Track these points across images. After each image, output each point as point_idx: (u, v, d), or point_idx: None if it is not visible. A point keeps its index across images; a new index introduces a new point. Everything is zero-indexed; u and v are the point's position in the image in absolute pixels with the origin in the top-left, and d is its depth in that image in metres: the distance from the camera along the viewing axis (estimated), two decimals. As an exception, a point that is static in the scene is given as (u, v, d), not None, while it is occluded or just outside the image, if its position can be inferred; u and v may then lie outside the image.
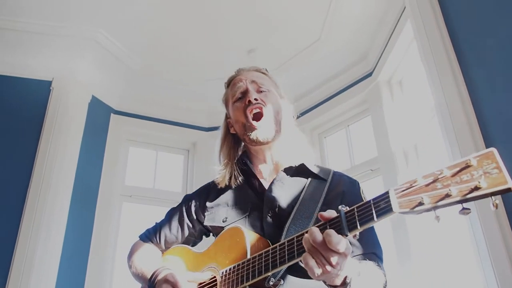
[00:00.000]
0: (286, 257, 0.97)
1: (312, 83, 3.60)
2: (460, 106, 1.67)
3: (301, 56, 3.39)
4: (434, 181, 0.75)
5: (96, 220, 3.14)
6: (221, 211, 1.35)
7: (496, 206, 0.69)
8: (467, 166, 0.72)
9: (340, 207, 0.89)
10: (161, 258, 1.44)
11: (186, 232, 1.45)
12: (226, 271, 1.15)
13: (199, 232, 1.46)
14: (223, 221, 1.32)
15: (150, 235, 1.48)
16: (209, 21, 3.03)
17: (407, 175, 2.74)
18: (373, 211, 0.82)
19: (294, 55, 3.39)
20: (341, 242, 0.84)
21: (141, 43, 3.20)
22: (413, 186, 0.77)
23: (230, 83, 1.51)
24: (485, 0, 1.61)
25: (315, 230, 0.88)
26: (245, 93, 1.39)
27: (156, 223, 1.53)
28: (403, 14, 2.63)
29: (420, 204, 0.75)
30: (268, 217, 1.25)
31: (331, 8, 2.96)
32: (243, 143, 1.46)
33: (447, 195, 0.72)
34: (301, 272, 1.08)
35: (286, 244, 0.99)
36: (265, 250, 1.05)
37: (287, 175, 1.35)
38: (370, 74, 3.23)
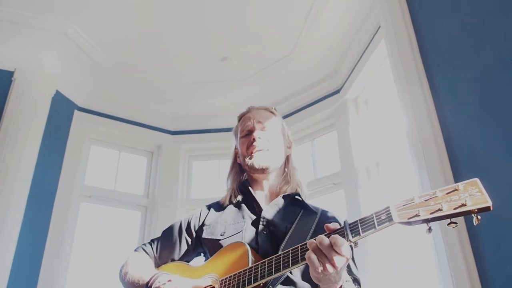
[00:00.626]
0: (290, 261, 1.05)
1: (281, 95, 3.71)
2: (429, 127, 1.78)
3: (273, 68, 3.47)
4: (428, 200, 0.86)
5: (52, 219, 3.05)
6: (220, 226, 1.44)
7: (478, 221, 0.80)
8: (456, 190, 0.86)
9: (345, 219, 1.01)
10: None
11: (184, 247, 1.50)
12: (226, 278, 1.21)
13: (194, 248, 1.51)
14: (221, 235, 1.40)
15: (146, 248, 1.53)
16: (186, 26, 3.04)
17: (368, 190, 2.90)
18: (375, 221, 0.92)
19: (266, 66, 3.47)
20: (344, 244, 0.94)
21: (114, 41, 3.16)
22: (411, 203, 0.89)
23: (241, 118, 1.67)
24: (461, 30, 1.73)
25: (323, 237, 0.98)
26: (251, 131, 1.55)
27: (151, 239, 1.59)
28: (376, 34, 2.78)
29: (417, 215, 0.85)
30: (263, 233, 1.37)
31: (306, 25, 3.06)
32: (240, 172, 1.63)
33: (439, 209, 0.83)
34: (294, 286, 1.21)
35: (290, 251, 1.08)
36: (268, 258, 1.13)
37: (284, 202, 1.48)
38: (338, 91, 3.37)
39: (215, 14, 2.95)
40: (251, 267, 1.16)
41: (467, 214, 0.82)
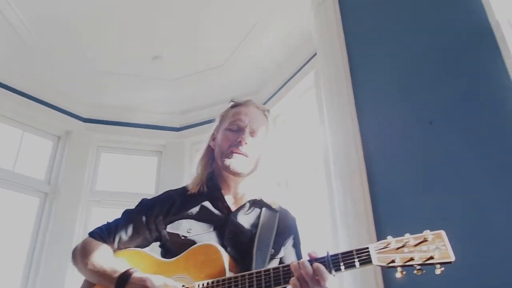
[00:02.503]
0: (272, 281, 1.13)
1: (203, 101, 3.81)
2: (355, 153, 2.02)
3: (202, 75, 3.55)
4: (403, 246, 1.05)
5: None
6: (185, 222, 1.41)
7: (441, 272, 1.01)
8: (425, 240, 1.04)
9: (326, 250, 1.11)
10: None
11: (142, 238, 1.45)
12: (203, 284, 1.23)
13: (156, 239, 1.47)
14: (187, 232, 1.38)
15: (103, 235, 1.44)
16: (124, 15, 2.94)
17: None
18: (356, 259, 1.07)
19: (196, 72, 3.53)
20: (328, 279, 1.07)
21: (45, 19, 2.92)
22: (388, 247, 1.06)
23: (235, 106, 1.60)
24: (392, 82, 2.02)
25: (307, 264, 1.08)
26: (241, 130, 1.49)
27: (108, 222, 1.49)
28: (310, 61, 3.03)
29: (393, 262, 1.03)
30: (229, 238, 1.39)
31: (244, 42, 3.21)
32: (213, 160, 1.56)
33: (412, 259, 1.02)
34: None
35: (271, 271, 1.15)
36: (248, 272, 1.19)
37: (250, 206, 1.50)
38: (259, 108, 3.57)
39: (156, 10, 2.92)
40: (230, 278, 1.20)
41: (433, 265, 1.02)
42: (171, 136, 3.91)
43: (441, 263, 1.01)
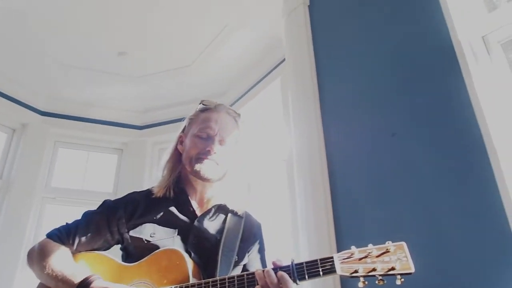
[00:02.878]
0: None
1: (167, 100, 3.76)
2: (318, 161, 2.06)
3: (168, 74, 3.51)
4: (366, 257, 1.08)
5: None
6: (149, 226, 1.39)
7: (401, 282, 1.05)
8: (387, 251, 1.08)
9: (291, 259, 1.12)
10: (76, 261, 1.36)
11: (103, 240, 1.41)
12: None
13: (117, 242, 1.43)
14: (150, 236, 1.36)
15: (62, 236, 1.38)
16: (92, 7, 2.86)
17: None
18: (320, 269, 1.08)
19: (162, 71, 3.49)
20: (291, 286, 1.08)
21: (3, 6, 2.80)
22: (352, 257, 1.08)
23: (205, 111, 1.55)
24: (357, 95, 2.07)
25: (272, 273, 1.10)
26: (211, 139, 1.47)
27: (67, 223, 1.43)
28: (278, 67, 3.05)
29: (356, 272, 1.06)
30: (193, 244, 1.37)
31: (212, 44, 3.20)
32: (180, 162, 1.53)
33: (374, 269, 1.05)
34: None
35: (236, 278, 1.16)
36: (212, 279, 1.18)
37: (215, 211, 1.49)
38: (224, 110, 3.56)
39: (125, 6, 2.87)
40: (194, 284, 1.20)
41: (393, 275, 1.06)
42: (133, 135, 3.83)
43: (401, 274, 1.04)
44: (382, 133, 1.87)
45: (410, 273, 1.04)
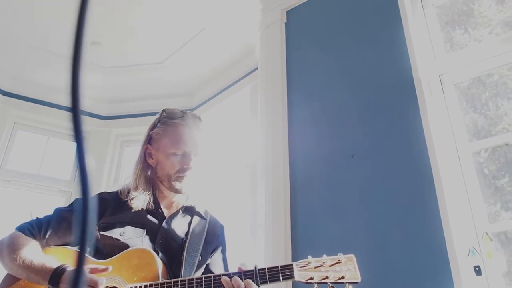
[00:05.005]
0: None
1: (134, 94, 3.79)
2: (282, 173, 2.19)
3: (139, 68, 3.54)
4: (320, 266, 1.22)
5: None
6: (119, 225, 1.45)
7: (349, 290, 1.19)
8: (339, 262, 1.23)
9: (254, 265, 1.25)
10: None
11: (73, 236, 1.45)
12: (136, 287, 1.29)
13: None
14: (120, 235, 1.42)
15: (33, 230, 1.44)
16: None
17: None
18: (280, 274, 1.22)
19: (133, 64, 3.51)
20: None
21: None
22: (308, 266, 1.22)
23: (171, 122, 1.57)
24: (322, 115, 2.22)
25: (239, 280, 1.21)
26: (186, 156, 1.52)
27: (38, 218, 1.49)
28: (251, 74, 3.16)
29: (311, 278, 1.20)
30: (160, 243, 1.45)
31: (187, 44, 3.27)
32: (149, 171, 1.59)
33: (327, 277, 1.20)
34: None
35: (203, 279, 1.26)
36: (181, 279, 1.28)
37: (182, 212, 1.58)
38: (191, 110, 3.63)
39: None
40: (163, 283, 1.28)
41: (343, 283, 1.20)
42: (96, 124, 3.81)
43: (349, 283, 1.19)
44: (343, 152, 2.03)
45: (357, 282, 1.20)
